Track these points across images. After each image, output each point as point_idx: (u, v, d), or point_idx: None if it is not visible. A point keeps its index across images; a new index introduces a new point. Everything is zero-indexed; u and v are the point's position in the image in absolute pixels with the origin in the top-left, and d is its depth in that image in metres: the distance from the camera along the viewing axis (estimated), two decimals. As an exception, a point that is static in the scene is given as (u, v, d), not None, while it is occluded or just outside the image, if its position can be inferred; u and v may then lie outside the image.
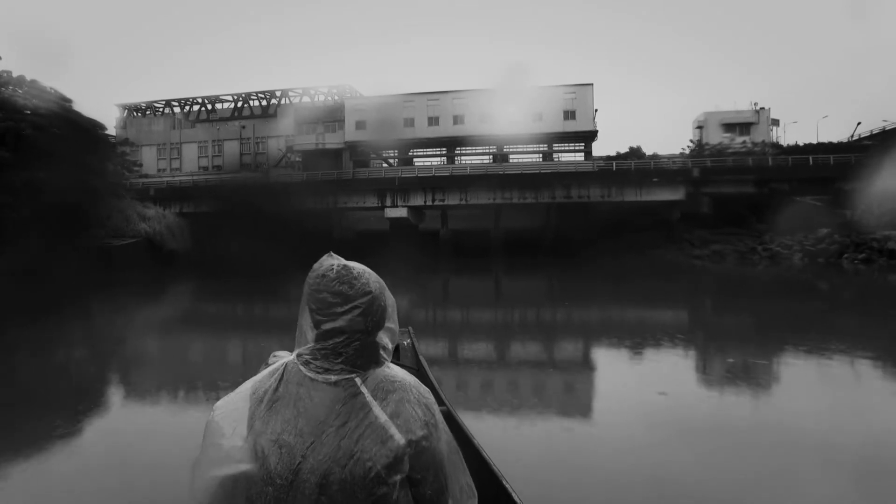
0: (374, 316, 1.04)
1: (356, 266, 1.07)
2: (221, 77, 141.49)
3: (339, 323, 1.01)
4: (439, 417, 1.05)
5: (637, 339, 8.72)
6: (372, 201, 35.64)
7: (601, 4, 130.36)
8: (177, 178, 41.39)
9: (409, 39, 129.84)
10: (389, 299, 1.10)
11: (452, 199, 34.74)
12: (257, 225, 30.65)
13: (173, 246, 27.15)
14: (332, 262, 1.07)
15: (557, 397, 5.74)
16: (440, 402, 2.33)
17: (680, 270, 24.94)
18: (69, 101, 26.22)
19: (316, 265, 1.07)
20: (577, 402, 5.65)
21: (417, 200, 35.05)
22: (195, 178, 41.11)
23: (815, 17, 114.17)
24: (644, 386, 5.80)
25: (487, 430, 3.86)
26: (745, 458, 3.77)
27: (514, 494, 1.71)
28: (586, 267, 25.98)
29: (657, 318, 11.46)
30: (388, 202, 35.32)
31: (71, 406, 5.33)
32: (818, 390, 5.79)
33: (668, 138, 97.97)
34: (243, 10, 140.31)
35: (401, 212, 35.07)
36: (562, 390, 6.00)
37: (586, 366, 7.36)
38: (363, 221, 37.00)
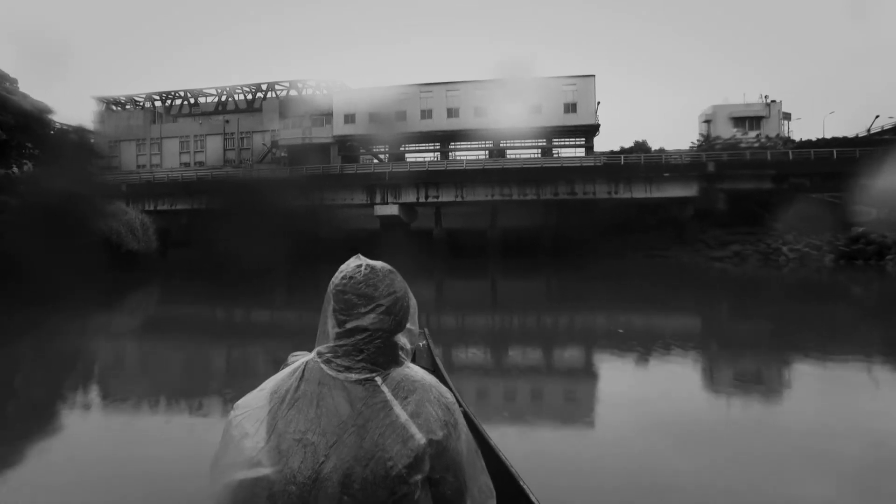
0: (397, 315, 1.00)
1: (382, 267, 1.03)
2: (221, 78, 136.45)
3: (363, 321, 0.97)
4: (459, 417, 1.00)
5: (651, 346, 7.67)
6: (360, 198, 31.67)
7: (601, 4, 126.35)
8: (151, 173, 37.33)
9: (409, 39, 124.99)
10: (412, 301, 1.07)
11: (447, 196, 30.87)
12: (239, 223, 27.08)
13: (133, 246, 22.92)
14: (358, 263, 1.03)
15: (557, 404, 5.46)
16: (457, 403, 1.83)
17: (699, 273, 21.84)
18: (13, 80, 21.89)
19: (343, 266, 1.03)
20: (577, 409, 5.32)
21: (409, 197, 31.12)
22: (170, 173, 37.08)
23: (814, 16, 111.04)
24: (648, 393, 5.35)
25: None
26: (748, 468, 3.49)
27: (531, 496, 1.62)
28: (590, 269, 23.32)
29: (676, 326, 9.95)
30: (378, 199, 31.38)
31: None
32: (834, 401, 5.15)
33: (668, 137, 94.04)
34: (243, 9, 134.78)
35: (392, 209, 31.12)
36: (562, 397, 5.71)
37: (587, 373, 6.84)
38: (353, 220, 32.89)
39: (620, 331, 8.14)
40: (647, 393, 5.36)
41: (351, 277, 1.00)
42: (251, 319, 12.54)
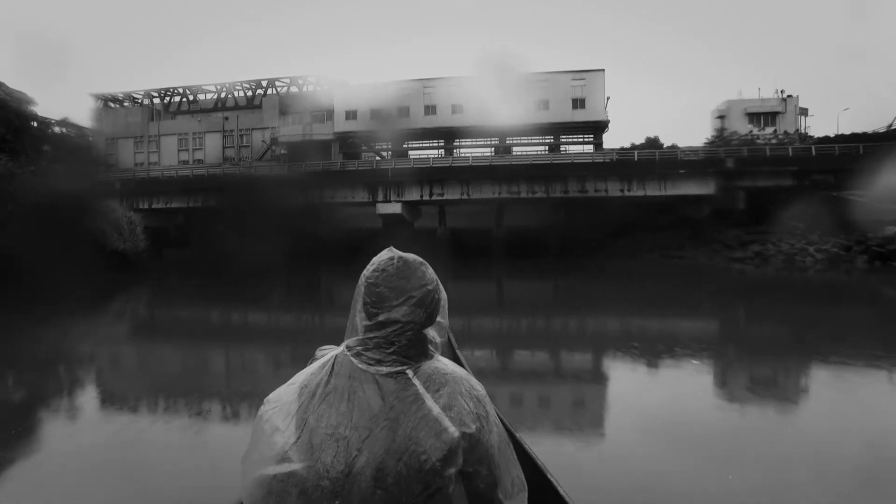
0: (428, 307, 0.98)
1: (414, 260, 1.01)
2: (221, 77, 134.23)
3: (395, 314, 0.95)
4: (490, 410, 0.97)
5: (668, 352, 7.09)
6: (362, 196, 29.84)
7: (600, 4, 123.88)
8: (146, 171, 35.65)
9: (409, 39, 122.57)
10: (443, 294, 1.03)
11: (452, 194, 29.02)
12: (237, 222, 25.57)
13: (119, 246, 21.08)
14: (391, 255, 1.01)
15: (566, 409, 5.19)
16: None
17: (719, 275, 20.32)
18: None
19: (375, 259, 1.01)
20: (586, 414, 5.07)
21: (413, 195, 29.27)
22: (165, 171, 35.40)
23: (812, 16, 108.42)
24: (662, 399, 5.08)
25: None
26: (757, 477, 3.32)
27: (560, 489, 1.60)
28: (601, 269, 21.90)
29: (695, 331, 9.30)
30: (381, 197, 29.53)
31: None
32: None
33: (669, 137, 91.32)
34: (243, 9, 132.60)
35: (394, 207, 29.28)
36: (571, 402, 5.43)
37: (598, 378, 6.37)
38: (354, 219, 31.07)
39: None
40: (661, 399, 5.06)
41: (383, 270, 0.97)
42: (247, 322, 11.71)
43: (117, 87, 44.37)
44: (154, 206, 32.03)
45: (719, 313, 11.78)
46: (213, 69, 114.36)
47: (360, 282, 0.99)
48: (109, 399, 5.60)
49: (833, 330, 8.90)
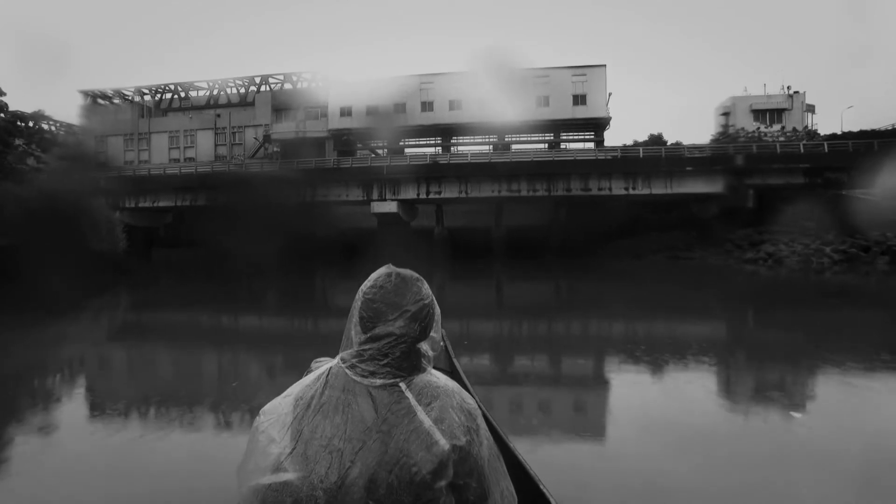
0: (423, 321, 0.98)
1: (411, 276, 1.02)
2: (212, 75, 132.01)
3: (390, 328, 0.95)
4: (481, 423, 0.98)
5: (677, 358, 6.67)
6: (356, 194, 28.24)
7: (599, 3, 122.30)
8: (132, 169, 33.99)
9: (406, 36, 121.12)
10: (437, 310, 1.05)
11: (450, 192, 27.46)
12: (227, 221, 24.11)
13: (95, 247, 19.39)
14: (389, 272, 1.01)
15: (568, 416, 4.96)
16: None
17: (729, 276, 19.08)
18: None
19: (373, 275, 1.01)
20: (589, 421, 4.83)
21: (409, 193, 27.69)
22: (152, 170, 33.74)
23: (814, 15, 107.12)
24: (669, 407, 4.80)
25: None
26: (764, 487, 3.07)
27: (551, 499, 1.58)
28: (604, 270, 20.83)
29: (705, 336, 8.84)
30: (376, 195, 27.95)
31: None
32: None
33: (672, 135, 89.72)
34: (237, 5, 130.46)
35: (390, 206, 27.70)
36: (573, 408, 5.21)
37: (601, 383, 6.11)
38: (348, 218, 29.45)
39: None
40: (668, 407, 4.80)
41: (381, 287, 0.98)
42: (238, 326, 10.84)
43: (108, 84, 42.47)
44: (140, 205, 30.40)
45: (737, 318, 10.81)
46: (205, 66, 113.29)
47: (357, 297, 0.99)
48: (98, 408, 5.40)
49: (854, 337, 8.12)
